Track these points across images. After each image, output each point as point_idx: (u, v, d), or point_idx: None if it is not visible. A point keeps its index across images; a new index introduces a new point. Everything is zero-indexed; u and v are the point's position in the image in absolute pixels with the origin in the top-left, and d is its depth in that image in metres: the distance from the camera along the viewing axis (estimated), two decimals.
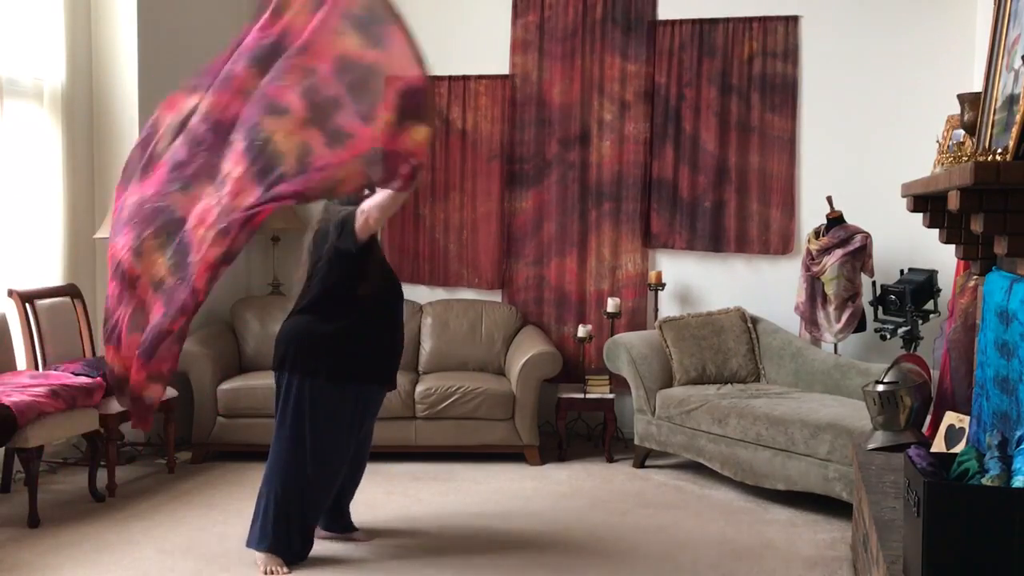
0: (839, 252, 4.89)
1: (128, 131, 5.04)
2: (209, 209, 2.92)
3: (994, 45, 2.93)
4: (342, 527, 3.83)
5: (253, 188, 2.89)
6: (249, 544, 3.54)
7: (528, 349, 5.13)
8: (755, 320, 5.23)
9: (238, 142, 2.95)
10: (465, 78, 5.82)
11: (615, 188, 5.67)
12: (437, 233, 5.89)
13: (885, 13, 5.32)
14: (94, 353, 4.79)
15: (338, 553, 3.71)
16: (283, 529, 3.48)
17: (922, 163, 4.72)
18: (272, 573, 3.45)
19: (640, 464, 5.06)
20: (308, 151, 2.89)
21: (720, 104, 5.50)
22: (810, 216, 5.37)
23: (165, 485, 4.60)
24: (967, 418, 3.03)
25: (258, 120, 2.94)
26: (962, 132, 3.44)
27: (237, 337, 5.49)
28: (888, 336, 4.76)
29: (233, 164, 2.93)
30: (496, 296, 5.87)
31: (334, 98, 2.89)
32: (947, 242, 3.12)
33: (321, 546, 3.74)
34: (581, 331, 5.41)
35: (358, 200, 3.43)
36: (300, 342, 3.47)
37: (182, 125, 3.11)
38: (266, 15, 3.08)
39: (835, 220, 4.99)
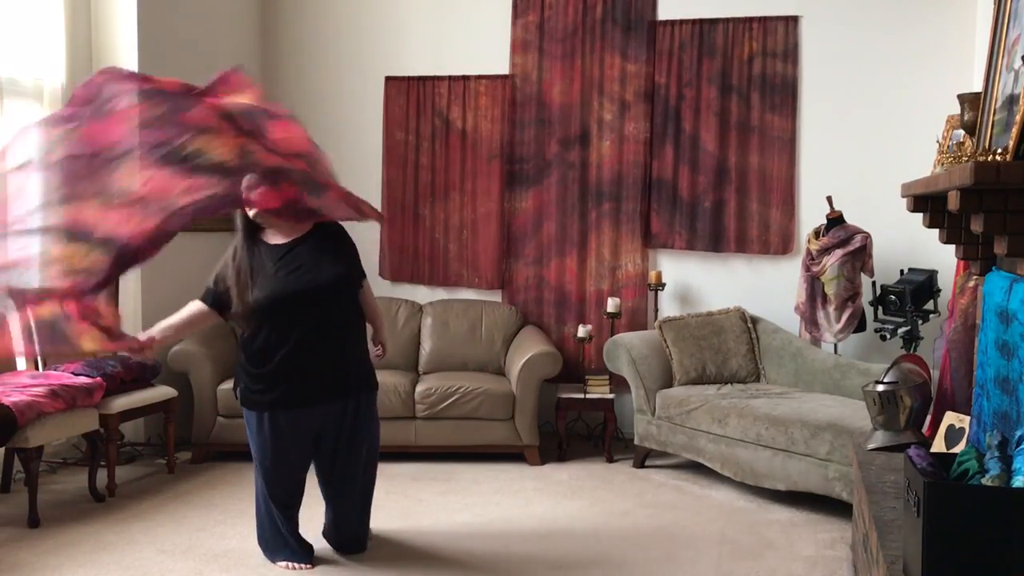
0: (839, 252, 4.89)
1: None
2: (126, 211, 2.84)
3: (994, 45, 2.92)
4: (342, 550, 3.71)
5: (181, 180, 2.84)
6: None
7: (528, 349, 5.13)
8: (755, 320, 5.23)
9: (135, 159, 2.83)
10: (465, 78, 5.82)
11: (615, 188, 5.67)
12: (437, 233, 5.89)
13: (885, 13, 5.32)
14: (94, 353, 4.79)
15: (333, 555, 3.71)
16: (281, 537, 3.57)
17: (922, 163, 4.72)
18: (295, 569, 3.52)
19: (640, 464, 5.06)
20: (250, 152, 2.94)
21: (720, 104, 5.50)
22: (810, 216, 5.37)
23: (165, 485, 4.60)
24: (967, 418, 3.03)
25: (174, 140, 2.88)
26: (962, 132, 3.44)
27: (237, 337, 5.48)
28: (888, 336, 4.76)
29: (140, 172, 2.83)
30: (496, 296, 5.87)
31: (258, 125, 3.01)
32: (947, 242, 3.12)
33: (322, 546, 3.75)
34: (581, 331, 5.41)
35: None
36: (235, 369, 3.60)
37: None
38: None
39: (835, 220, 4.99)
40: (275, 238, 3.47)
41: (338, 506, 3.63)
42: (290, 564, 3.53)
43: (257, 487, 3.57)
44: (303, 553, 3.57)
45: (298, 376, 3.39)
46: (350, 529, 3.69)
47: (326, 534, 3.74)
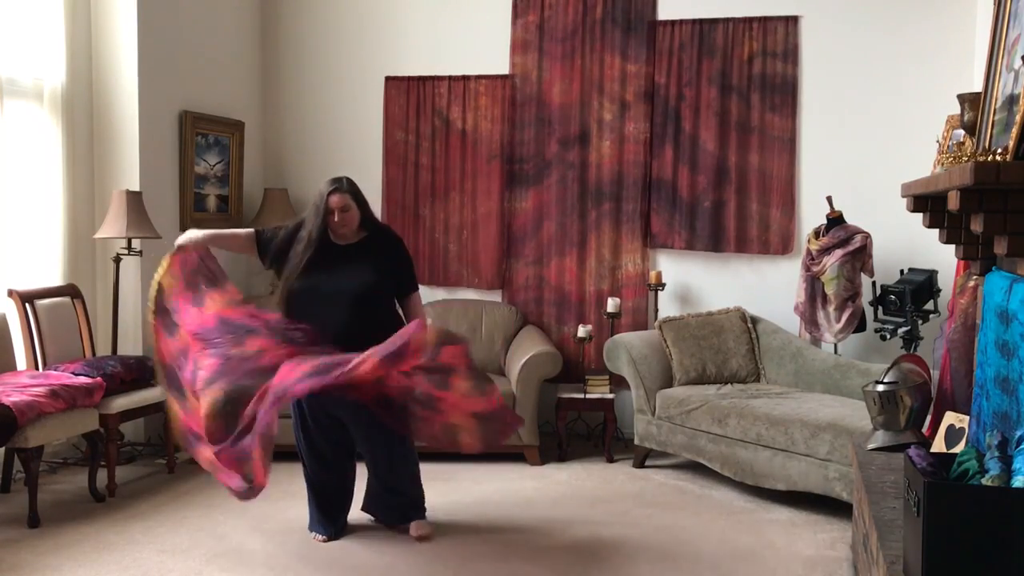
0: (839, 252, 4.89)
1: (128, 131, 5.04)
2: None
3: (994, 45, 2.93)
4: (386, 520, 4.03)
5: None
6: None
7: (528, 349, 5.13)
8: (755, 320, 5.23)
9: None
10: (465, 78, 5.82)
11: (615, 188, 5.67)
12: (437, 233, 5.89)
13: (885, 13, 5.32)
14: (94, 353, 4.79)
15: (337, 554, 3.72)
16: (311, 510, 3.95)
17: (922, 163, 4.72)
18: (315, 538, 3.88)
19: (640, 464, 5.06)
20: None
21: (720, 104, 5.50)
22: (810, 216, 5.37)
23: (165, 485, 4.60)
24: (967, 418, 3.03)
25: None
26: (962, 132, 3.45)
27: None
28: (888, 336, 4.76)
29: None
30: (496, 296, 5.87)
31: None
32: (947, 242, 3.12)
33: (321, 546, 3.78)
34: (581, 331, 5.41)
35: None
36: None
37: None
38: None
39: (835, 220, 4.99)
40: (338, 240, 3.80)
41: (383, 479, 3.96)
42: (316, 536, 3.89)
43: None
44: (319, 528, 3.90)
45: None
46: (400, 491, 3.97)
47: (370, 507, 4.06)
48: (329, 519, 3.90)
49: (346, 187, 3.75)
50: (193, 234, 3.73)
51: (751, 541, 3.90)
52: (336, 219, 3.71)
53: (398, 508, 3.97)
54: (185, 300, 3.57)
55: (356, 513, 4.04)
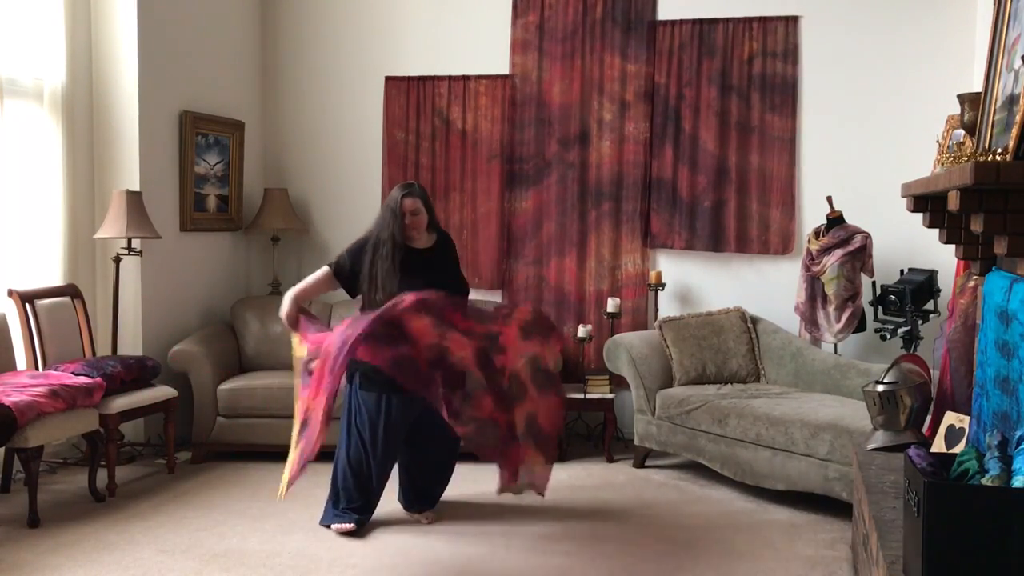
0: (839, 252, 4.89)
1: (128, 131, 5.04)
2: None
3: (994, 45, 2.93)
4: (415, 508, 4.19)
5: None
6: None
7: None
8: (755, 320, 5.23)
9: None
10: (465, 78, 5.82)
11: (615, 188, 5.67)
12: None
13: (885, 13, 5.32)
14: (94, 353, 4.80)
15: (337, 553, 3.72)
16: (341, 501, 4.02)
17: (922, 163, 4.73)
18: (342, 527, 3.94)
19: (640, 464, 5.06)
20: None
21: (720, 104, 5.50)
22: (810, 216, 5.37)
23: (165, 485, 4.60)
24: (967, 418, 3.03)
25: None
26: (962, 132, 3.45)
27: (237, 337, 5.49)
28: (888, 336, 4.76)
29: None
30: (496, 296, 5.87)
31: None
32: (947, 242, 3.12)
33: (321, 545, 3.77)
34: (581, 331, 5.41)
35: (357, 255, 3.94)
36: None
37: None
38: None
39: (835, 220, 4.99)
40: (415, 243, 3.97)
41: (419, 468, 4.14)
42: (343, 525, 3.94)
43: (344, 460, 4.00)
44: (331, 517, 3.99)
45: None
46: (424, 486, 4.17)
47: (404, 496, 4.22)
48: (365, 510, 4.00)
49: (417, 192, 3.95)
50: (284, 306, 3.84)
51: (751, 541, 3.90)
52: (407, 222, 3.90)
53: (419, 502, 4.18)
54: (313, 340, 3.71)
55: None
